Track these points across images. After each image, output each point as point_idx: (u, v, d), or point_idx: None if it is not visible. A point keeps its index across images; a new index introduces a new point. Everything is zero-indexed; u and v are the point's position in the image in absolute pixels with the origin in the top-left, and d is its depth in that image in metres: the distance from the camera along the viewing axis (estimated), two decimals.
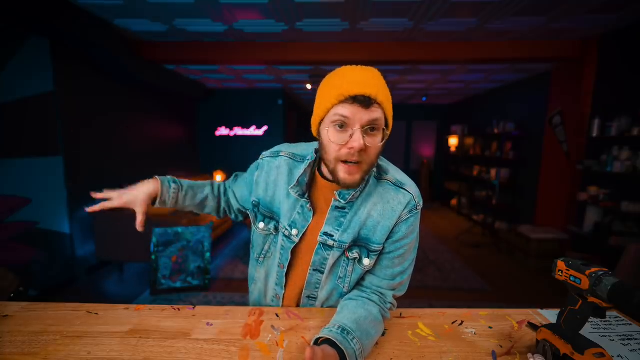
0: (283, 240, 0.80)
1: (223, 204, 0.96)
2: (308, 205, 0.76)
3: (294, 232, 0.77)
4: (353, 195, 0.72)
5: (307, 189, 0.76)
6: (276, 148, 0.85)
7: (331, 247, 0.76)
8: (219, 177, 5.76)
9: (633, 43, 2.75)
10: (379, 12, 2.58)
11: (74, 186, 2.90)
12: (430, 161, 7.66)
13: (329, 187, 0.75)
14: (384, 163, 0.79)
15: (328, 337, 0.61)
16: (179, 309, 0.83)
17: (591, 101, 3.13)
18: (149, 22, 2.85)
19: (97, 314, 0.80)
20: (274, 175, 0.80)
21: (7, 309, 0.81)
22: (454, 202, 6.60)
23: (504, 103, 5.15)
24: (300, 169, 0.76)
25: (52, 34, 2.52)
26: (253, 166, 0.87)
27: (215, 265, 3.44)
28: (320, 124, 0.68)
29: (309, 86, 5.16)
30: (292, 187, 0.75)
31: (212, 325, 0.77)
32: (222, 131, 6.00)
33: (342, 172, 0.65)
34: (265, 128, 5.94)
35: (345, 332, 0.63)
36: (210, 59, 3.52)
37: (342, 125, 0.63)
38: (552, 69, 3.94)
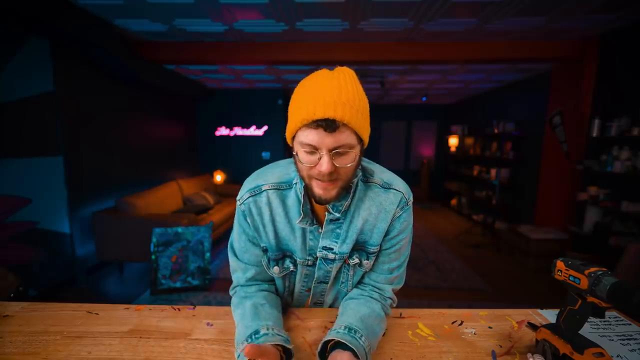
0: (307, 269, 0.78)
1: (266, 285, 0.81)
2: (319, 230, 0.73)
3: (315, 257, 0.76)
4: (345, 205, 0.70)
5: (312, 214, 0.73)
6: (251, 184, 0.74)
7: (332, 260, 0.75)
8: (219, 177, 5.76)
9: (633, 43, 2.75)
10: (379, 12, 2.58)
11: (74, 186, 2.90)
12: (430, 161, 7.65)
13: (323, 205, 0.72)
14: (368, 164, 0.77)
15: (336, 338, 0.61)
16: (179, 309, 0.83)
17: (591, 101, 3.13)
18: (149, 22, 2.85)
19: (97, 314, 0.81)
20: (267, 214, 0.73)
21: (7, 309, 0.82)
22: (454, 202, 6.59)
23: (504, 103, 5.15)
24: (293, 197, 0.72)
25: (52, 34, 2.52)
26: (240, 219, 0.76)
27: (215, 265, 3.44)
28: (292, 138, 0.65)
29: None
30: (300, 221, 0.70)
31: (212, 325, 0.77)
32: (222, 131, 6.00)
33: (317, 188, 0.63)
34: (265, 128, 5.93)
35: (353, 332, 0.63)
36: (210, 59, 3.52)
37: (311, 150, 0.61)
38: (552, 69, 3.94)
